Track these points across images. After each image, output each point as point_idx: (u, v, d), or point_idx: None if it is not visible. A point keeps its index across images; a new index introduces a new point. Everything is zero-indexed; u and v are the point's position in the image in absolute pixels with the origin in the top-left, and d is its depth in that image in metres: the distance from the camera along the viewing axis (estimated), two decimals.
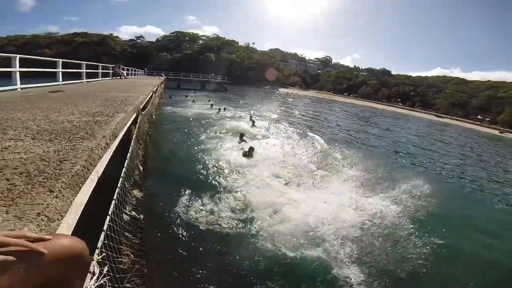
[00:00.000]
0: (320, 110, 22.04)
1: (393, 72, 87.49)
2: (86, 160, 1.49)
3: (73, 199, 1.29)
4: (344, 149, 7.84)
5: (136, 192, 3.73)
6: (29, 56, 6.28)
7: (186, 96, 19.67)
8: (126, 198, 2.73)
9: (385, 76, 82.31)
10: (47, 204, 1.07)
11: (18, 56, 5.42)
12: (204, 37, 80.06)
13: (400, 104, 66.29)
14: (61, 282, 0.59)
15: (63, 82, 7.53)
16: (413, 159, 9.11)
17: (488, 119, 45.94)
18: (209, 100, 17.16)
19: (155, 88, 10.20)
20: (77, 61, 8.85)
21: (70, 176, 1.29)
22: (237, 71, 66.92)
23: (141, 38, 73.63)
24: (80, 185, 1.38)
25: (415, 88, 73.33)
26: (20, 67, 5.49)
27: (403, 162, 8.42)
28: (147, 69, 32.34)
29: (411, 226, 3.91)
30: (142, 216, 3.27)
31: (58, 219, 1.10)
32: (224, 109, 13.21)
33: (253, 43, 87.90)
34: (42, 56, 7.93)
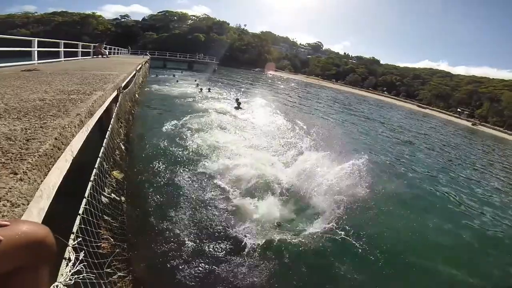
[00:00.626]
0: (304, 95, 21.89)
1: (382, 62, 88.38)
2: (56, 139, 1.37)
3: (42, 181, 1.19)
4: (308, 128, 8.12)
5: (116, 173, 3.58)
6: (3, 36, 5.72)
7: (174, 76, 18.97)
8: (105, 180, 2.61)
9: (373, 65, 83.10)
10: (10, 188, 0.97)
11: None
12: (193, 17, 76.67)
13: (385, 93, 67.59)
14: (24, 271, 0.55)
15: (39, 61, 7.01)
16: (374, 141, 9.42)
17: (466, 112, 47.74)
18: (195, 80, 16.62)
19: (139, 67, 9.74)
20: (54, 40, 8.24)
21: (38, 156, 1.18)
22: (227, 52, 65.21)
23: (126, 17, 69.59)
24: (50, 166, 1.27)
25: (401, 78, 74.65)
26: None
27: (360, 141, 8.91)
28: (132, 48, 30.78)
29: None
30: (123, 198, 3.17)
31: (23, 204, 1.00)
32: (209, 89, 12.82)
33: (245, 25, 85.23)
34: (19, 36, 7.29)
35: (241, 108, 9.40)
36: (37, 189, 1.14)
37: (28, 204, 1.04)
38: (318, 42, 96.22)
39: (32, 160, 1.14)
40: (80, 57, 11.30)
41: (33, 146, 1.24)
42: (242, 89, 16.33)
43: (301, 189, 4.13)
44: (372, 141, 9.40)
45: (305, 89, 29.93)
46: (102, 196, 2.31)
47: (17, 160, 1.12)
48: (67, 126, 1.54)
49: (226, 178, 4.15)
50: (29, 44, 6.65)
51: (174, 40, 58.98)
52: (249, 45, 71.92)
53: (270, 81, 32.13)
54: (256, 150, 5.58)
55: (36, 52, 6.87)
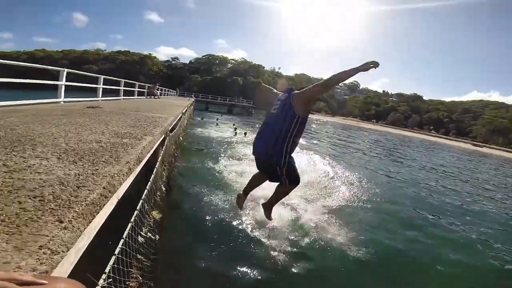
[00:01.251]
0: (341, 139, 21.05)
1: (425, 97, 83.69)
2: (104, 188, 1.39)
3: (85, 228, 1.17)
4: (342, 176, 7.30)
5: (155, 213, 3.62)
6: (75, 71, 6.84)
7: (217, 119, 20.05)
8: (144, 220, 2.61)
9: (416, 102, 78.96)
10: (53, 236, 0.95)
11: (65, 70, 5.90)
12: (232, 61, 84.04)
13: (433, 132, 62.43)
14: None
15: (102, 98, 8.10)
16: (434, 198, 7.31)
17: None
18: (233, 124, 17.33)
19: (185, 110, 10.56)
20: (116, 78, 9.54)
21: (85, 205, 1.18)
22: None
23: (176, 60, 78.88)
24: (95, 213, 1.27)
25: (449, 114, 69.01)
26: (66, 81, 5.98)
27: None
28: (179, 90, 34.18)
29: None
30: (157, 237, 3.13)
31: (63, 251, 0.97)
32: (245, 134, 13.15)
33: (279, 68, 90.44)
34: (89, 71, 8.65)
35: None
36: (79, 236, 1.12)
37: (68, 251, 1.01)
38: (355, 81, 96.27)
39: (79, 209, 1.14)
40: (136, 97, 12.74)
41: (82, 194, 1.26)
42: None
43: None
44: (423, 193, 7.38)
45: (342, 132, 29.13)
46: (139, 236, 2.28)
47: (65, 207, 1.13)
48: (116, 175, 1.58)
49: (261, 227, 3.92)
50: (96, 80, 7.80)
51: (215, 83, 64.31)
52: (284, 88, 75.07)
53: (308, 126, 32.05)
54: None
55: (101, 89, 7.99)
